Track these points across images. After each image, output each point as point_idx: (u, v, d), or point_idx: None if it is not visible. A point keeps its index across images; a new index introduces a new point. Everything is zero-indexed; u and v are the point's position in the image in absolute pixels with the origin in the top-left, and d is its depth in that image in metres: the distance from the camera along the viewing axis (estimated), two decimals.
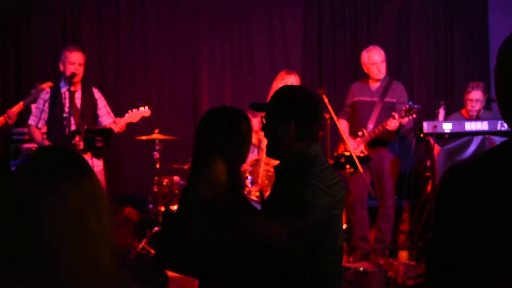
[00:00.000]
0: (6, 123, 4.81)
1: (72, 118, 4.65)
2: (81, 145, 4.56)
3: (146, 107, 4.83)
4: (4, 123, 4.81)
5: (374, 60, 5.19)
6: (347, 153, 5.03)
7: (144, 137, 5.36)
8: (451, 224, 1.21)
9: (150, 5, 6.52)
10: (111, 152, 5.55)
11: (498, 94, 1.27)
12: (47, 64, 6.21)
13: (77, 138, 4.57)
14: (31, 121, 4.77)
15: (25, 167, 1.17)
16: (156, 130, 5.38)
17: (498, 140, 4.66)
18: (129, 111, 4.79)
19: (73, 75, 4.63)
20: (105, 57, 6.43)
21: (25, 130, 5.52)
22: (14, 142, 5.59)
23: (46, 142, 4.69)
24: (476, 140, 4.80)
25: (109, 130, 4.64)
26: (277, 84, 4.75)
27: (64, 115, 4.59)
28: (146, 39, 6.50)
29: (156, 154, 5.36)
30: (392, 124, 4.93)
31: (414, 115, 4.92)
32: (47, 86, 4.84)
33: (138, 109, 4.79)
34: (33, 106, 5.39)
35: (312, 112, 2.23)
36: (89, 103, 4.81)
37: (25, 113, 5.61)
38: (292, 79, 4.79)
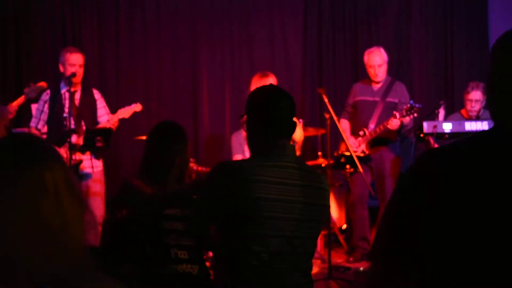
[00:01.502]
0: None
1: (71, 119, 4.67)
2: (81, 145, 4.57)
3: (138, 103, 4.86)
4: None
5: (373, 62, 5.20)
6: (347, 153, 5.03)
7: (144, 137, 5.35)
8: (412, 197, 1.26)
9: (150, 6, 6.52)
10: (111, 152, 5.54)
11: (490, 90, 1.30)
12: (47, 64, 6.21)
13: (74, 138, 4.57)
14: (32, 122, 4.83)
15: None
16: None
17: None
18: (121, 108, 4.82)
19: (73, 75, 4.63)
20: (105, 57, 6.42)
21: (25, 130, 5.53)
22: None
23: None
24: None
25: (109, 130, 4.65)
26: (254, 87, 4.75)
27: (64, 115, 4.60)
28: (146, 39, 6.50)
29: None
30: (393, 123, 4.93)
31: (415, 114, 4.92)
32: (40, 86, 4.84)
33: (130, 105, 4.81)
34: (33, 107, 5.40)
35: (261, 107, 2.24)
36: (89, 104, 4.82)
37: (25, 113, 5.62)
38: (271, 81, 4.71)
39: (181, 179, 2.74)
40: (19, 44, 6.20)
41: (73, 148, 4.53)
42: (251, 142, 2.29)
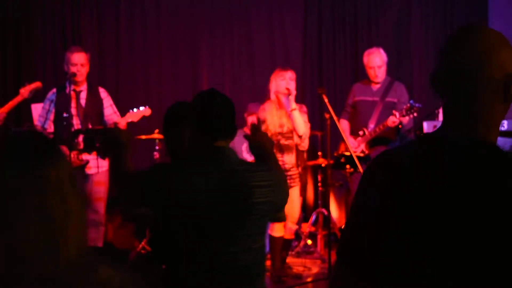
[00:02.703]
0: None
1: (77, 118, 4.69)
2: (82, 145, 4.57)
3: (147, 106, 4.83)
4: None
5: (373, 64, 5.19)
6: (347, 153, 5.03)
7: (144, 137, 5.36)
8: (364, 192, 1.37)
9: (150, 5, 6.52)
10: None
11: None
12: (47, 64, 6.21)
13: (80, 138, 4.58)
14: (38, 121, 4.83)
15: None
16: (156, 130, 5.38)
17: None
18: (130, 110, 4.80)
19: (73, 75, 4.66)
20: (105, 57, 6.42)
21: (24, 129, 5.53)
22: None
23: None
24: None
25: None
26: (274, 80, 4.75)
27: (65, 115, 4.60)
28: (146, 39, 6.50)
29: (156, 154, 5.36)
30: (393, 119, 4.93)
31: (415, 114, 4.93)
32: (35, 86, 4.85)
33: (138, 108, 4.79)
34: (33, 107, 5.40)
35: (195, 110, 2.24)
36: (94, 103, 4.82)
37: (25, 113, 5.62)
38: (290, 75, 4.76)
39: None
40: (19, 44, 6.20)
41: (74, 149, 4.53)
42: (188, 145, 2.30)
